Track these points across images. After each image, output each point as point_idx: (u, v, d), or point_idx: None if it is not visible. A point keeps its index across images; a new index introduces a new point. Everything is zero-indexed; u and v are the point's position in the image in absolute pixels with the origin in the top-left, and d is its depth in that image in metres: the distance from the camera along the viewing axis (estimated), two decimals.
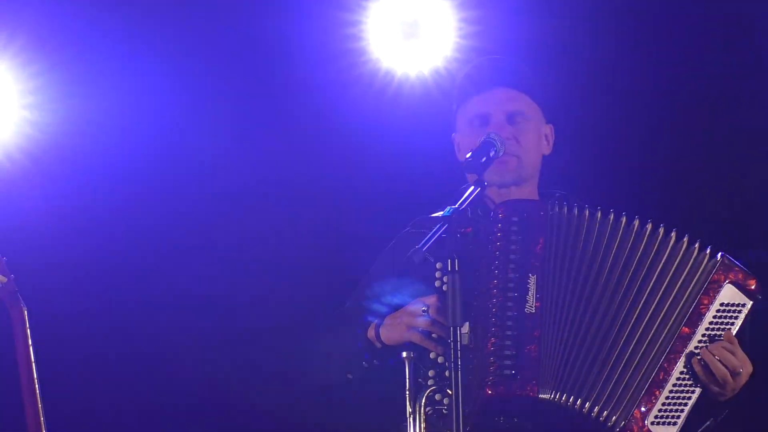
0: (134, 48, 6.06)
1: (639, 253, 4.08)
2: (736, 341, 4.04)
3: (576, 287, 4.08)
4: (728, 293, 4.07)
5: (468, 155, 4.04)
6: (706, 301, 4.06)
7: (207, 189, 6.12)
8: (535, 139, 4.38)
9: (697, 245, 4.07)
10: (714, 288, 4.07)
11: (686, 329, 4.05)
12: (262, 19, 5.98)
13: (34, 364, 4.89)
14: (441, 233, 3.76)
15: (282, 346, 5.93)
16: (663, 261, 4.08)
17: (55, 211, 6.05)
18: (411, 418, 3.94)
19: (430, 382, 4.03)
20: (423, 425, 3.94)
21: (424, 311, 4.06)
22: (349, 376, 4.27)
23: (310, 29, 5.95)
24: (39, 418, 4.89)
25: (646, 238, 4.06)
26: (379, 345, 4.16)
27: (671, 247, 4.08)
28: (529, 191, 4.41)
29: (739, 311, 4.07)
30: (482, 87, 4.38)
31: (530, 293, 4.02)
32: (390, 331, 4.15)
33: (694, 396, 4.06)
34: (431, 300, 4.06)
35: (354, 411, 4.81)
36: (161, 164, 6.11)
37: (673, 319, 4.07)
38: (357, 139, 6.04)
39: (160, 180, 6.13)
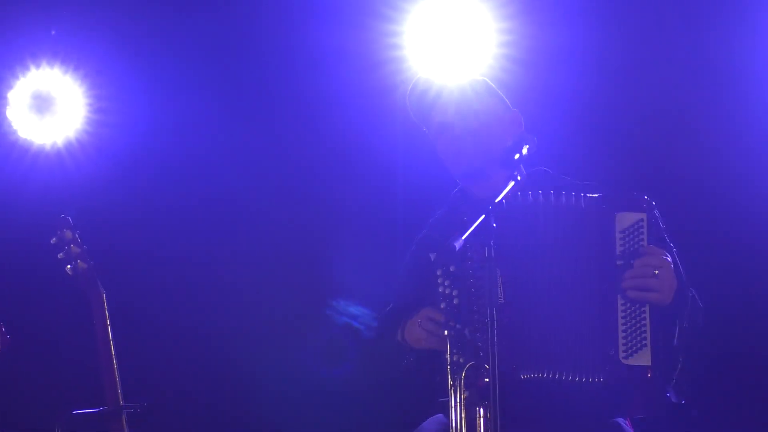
0: (184, 60, 6.19)
1: (564, 224, 4.19)
2: (651, 248, 4.14)
3: (530, 270, 4.19)
4: (622, 220, 4.19)
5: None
6: (609, 237, 4.18)
7: (257, 188, 6.19)
8: (484, 134, 4.49)
9: (584, 193, 4.21)
10: (608, 224, 4.18)
11: (607, 269, 4.16)
12: (304, 30, 5.98)
13: (111, 343, 5.13)
14: (481, 223, 3.89)
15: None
16: (574, 222, 4.19)
17: (126, 203, 6.25)
18: (452, 390, 4.04)
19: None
20: (464, 396, 4.03)
21: (419, 322, 4.20)
22: (402, 369, 4.41)
23: (349, 39, 5.90)
24: (116, 390, 5.13)
25: (566, 209, 4.19)
26: (408, 346, 4.34)
27: (581, 209, 4.20)
28: (501, 175, 4.38)
29: (641, 226, 4.18)
30: (426, 108, 4.52)
31: (499, 285, 4.07)
32: (409, 337, 4.32)
33: (647, 316, 4.16)
34: (429, 311, 4.18)
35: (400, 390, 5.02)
36: (214, 158, 6.22)
37: (596, 266, 4.18)
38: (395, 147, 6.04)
39: (214, 171, 6.23)
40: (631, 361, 4.08)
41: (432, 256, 4.18)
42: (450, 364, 4.03)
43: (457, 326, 4.13)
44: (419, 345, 4.27)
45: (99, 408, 5.17)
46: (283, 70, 6.13)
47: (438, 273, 4.10)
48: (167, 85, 6.24)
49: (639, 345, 4.11)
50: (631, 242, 4.15)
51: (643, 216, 4.16)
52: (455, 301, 4.13)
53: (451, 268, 4.09)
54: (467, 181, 4.51)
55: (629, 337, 4.12)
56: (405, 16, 5.89)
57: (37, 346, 6.10)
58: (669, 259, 4.14)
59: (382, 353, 4.53)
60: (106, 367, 5.13)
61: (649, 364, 4.08)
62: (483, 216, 3.89)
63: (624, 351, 4.09)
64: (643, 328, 4.12)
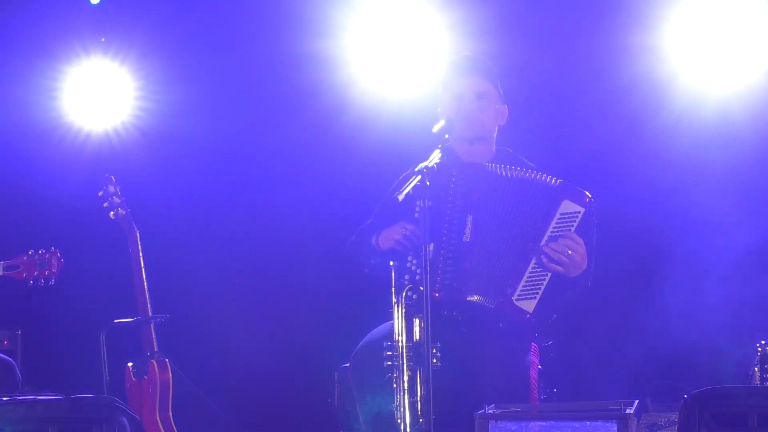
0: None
1: (521, 192, 4.54)
2: (574, 236, 4.46)
3: (495, 222, 4.55)
4: (565, 206, 4.49)
5: (435, 129, 4.48)
6: (550, 214, 4.49)
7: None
8: (492, 113, 4.82)
9: (548, 177, 4.51)
10: (555, 204, 4.49)
11: (535, 236, 4.51)
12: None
13: (143, 268, 5.63)
14: (416, 183, 4.25)
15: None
16: (531, 194, 4.52)
17: (157, 169, 6.64)
18: (396, 306, 4.36)
19: (407, 281, 4.52)
20: (403, 310, 4.34)
21: (403, 230, 4.58)
22: (366, 270, 4.79)
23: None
24: (147, 304, 5.58)
25: (526, 181, 4.53)
26: (378, 249, 4.69)
27: (538, 182, 4.51)
28: (487, 147, 4.81)
29: (576, 216, 4.48)
30: (461, 74, 4.80)
31: (467, 227, 4.51)
32: (383, 240, 4.69)
33: (546, 279, 4.47)
34: (408, 225, 4.58)
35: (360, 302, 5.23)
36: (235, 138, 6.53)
37: (530, 231, 4.51)
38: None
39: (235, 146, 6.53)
40: (519, 303, 4.53)
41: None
42: (395, 286, 4.36)
43: (408, 257, 4.59)
44: (387, 245, 4.61)
45: (133, 318, 5.63)
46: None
47: (418, 203, 4.36)
48: (193, 74, 6.52)
49: (530, 295, 4.53)
50: (563, 225, 4.48)
51: (582, 210, 4.50)
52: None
53: (428, 203, 4.30)
54: (466, 143, 4.77)
55: (526, 288, 4.54)
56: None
57: (86, 271, 6.41)
58: (582, 249, 4.49)
59: (357, 252, 4.83)
60: (138, 287, 5.61)
61: (531, 311, 4.53)
62: (418, 177, 4.23)
63: (518, 295, 4.54)
64: (539, 287, 4.53)
